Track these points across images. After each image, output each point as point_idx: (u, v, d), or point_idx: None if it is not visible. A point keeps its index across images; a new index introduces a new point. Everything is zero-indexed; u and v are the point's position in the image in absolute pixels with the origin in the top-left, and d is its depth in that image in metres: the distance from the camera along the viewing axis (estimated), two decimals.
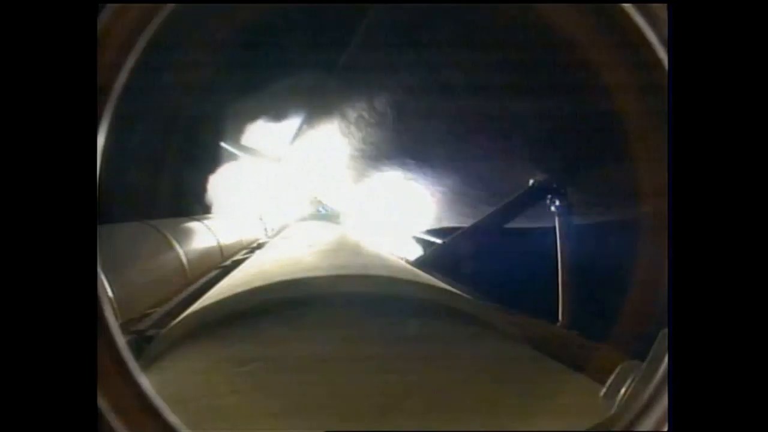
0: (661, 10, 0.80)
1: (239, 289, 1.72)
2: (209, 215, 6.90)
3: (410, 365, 1.32)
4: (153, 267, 3.67)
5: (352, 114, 5.69)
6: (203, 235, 5.20)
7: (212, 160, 7.87)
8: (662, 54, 0.79)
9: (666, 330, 0.78)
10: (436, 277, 2.44)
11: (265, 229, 8.15)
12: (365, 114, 5.44)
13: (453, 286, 2.16)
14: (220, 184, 8.24)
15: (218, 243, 5.37)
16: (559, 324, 4.04)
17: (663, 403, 0.77)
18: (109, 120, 0.75)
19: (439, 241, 5.46)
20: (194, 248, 4.61)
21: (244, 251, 5.25)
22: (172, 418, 0.74)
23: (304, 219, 7.97)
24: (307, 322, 1.52)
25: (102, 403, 0.71)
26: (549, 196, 4.49)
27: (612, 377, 1.03)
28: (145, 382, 0.74)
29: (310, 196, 9.04)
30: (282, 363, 1.31)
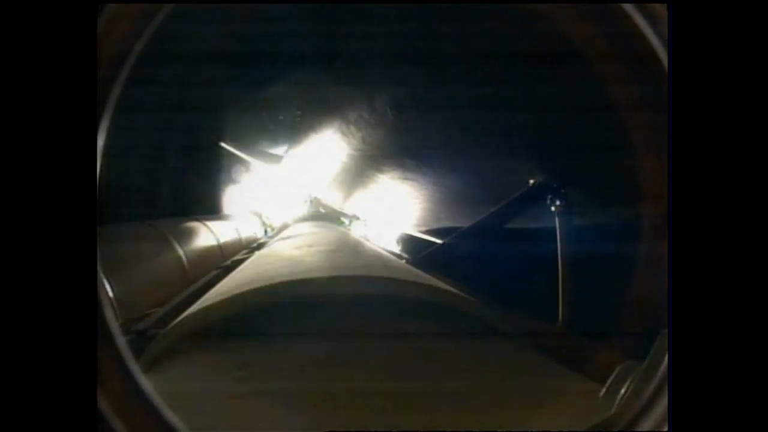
0: (661, 10, 0.80)
1: (239, 290, 1.72)
2: (209, 215, 6.90)
3: (410, 365, 1.32)
4: (153, 267, 3.66)
5: (351, 114, 5.69)
6: (203, 235, 5.20)
7: (212, 160, 7.87)
8: (662, 54, 0.79)
9: (666, 330, 0.78)
10: (436, 277, 2.44)
11: (265, 230, 8.15)
12: (365, 114, 5.43)
13: (453, 286, 2.16)
14: (220, 184, 8.25)
15: (218, 243, 5.37)
16: (559, 324, 4.03)
17: (663, 403, 0.77)
18: (109, 119, 0.75)
19: (439, 241, 5.46)
20: (194, 248, 4.61)
21: (244, 251, 5.25)
22: (172, 418, 0.74)
23: (304, 219, 7.96)
24: (307, 322, 1.52)
25: (102, 403, 0.71)
26: (549, 196, 4.48)
27: (612, 377, 1.03)
28: (145, 382, 0.74)
29: (309, 195, 9.05)
30: (282, 363, 1.31)
